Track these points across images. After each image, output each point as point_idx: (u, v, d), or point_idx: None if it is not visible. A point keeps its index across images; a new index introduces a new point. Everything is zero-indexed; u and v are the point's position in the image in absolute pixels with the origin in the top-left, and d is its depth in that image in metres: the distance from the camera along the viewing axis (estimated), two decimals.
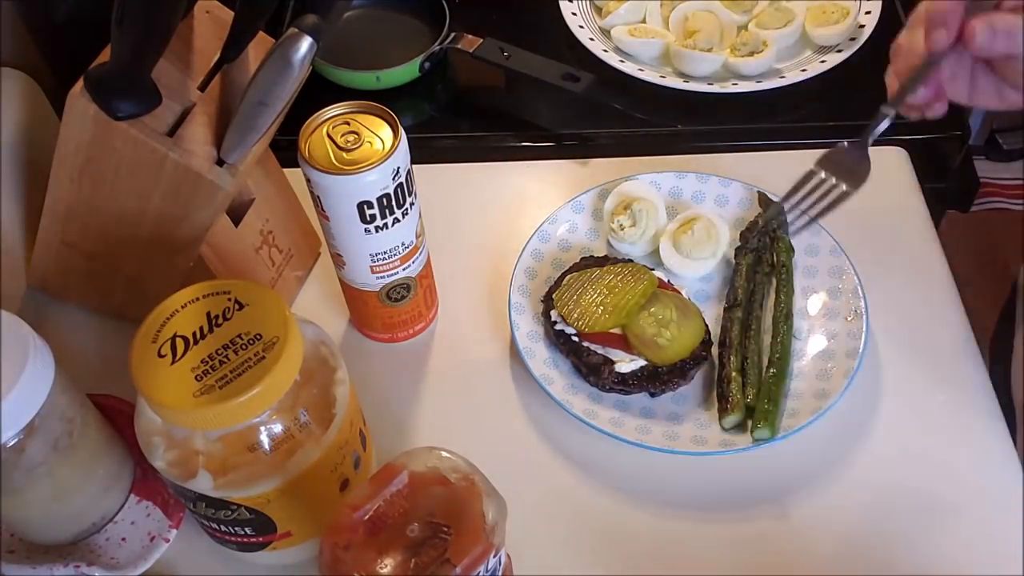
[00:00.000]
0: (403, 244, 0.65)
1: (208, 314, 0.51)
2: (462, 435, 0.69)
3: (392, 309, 0.70)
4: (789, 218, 0.64)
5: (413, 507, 0.46)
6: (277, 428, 0.52)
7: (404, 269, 0.67)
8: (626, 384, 0.67)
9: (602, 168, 0.85)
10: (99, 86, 0.57)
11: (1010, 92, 0.55)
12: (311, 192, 0.62)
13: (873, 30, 0.98)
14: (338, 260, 0.67)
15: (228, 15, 0.64)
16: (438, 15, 0.99)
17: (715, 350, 0.71)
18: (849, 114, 0.95)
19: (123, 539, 0.62)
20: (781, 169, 0.84)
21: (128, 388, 0.51)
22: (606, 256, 0.75)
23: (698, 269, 0.75)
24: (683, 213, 0.77)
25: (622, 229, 0.76)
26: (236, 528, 0.56)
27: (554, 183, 0.85)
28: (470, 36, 0.95)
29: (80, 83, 0.57)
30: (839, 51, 0.96)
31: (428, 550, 0.44)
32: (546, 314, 0.71)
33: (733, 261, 0.76)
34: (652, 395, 0.69)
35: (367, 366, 0.72)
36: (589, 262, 0.73)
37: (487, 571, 0.46)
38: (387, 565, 0.44)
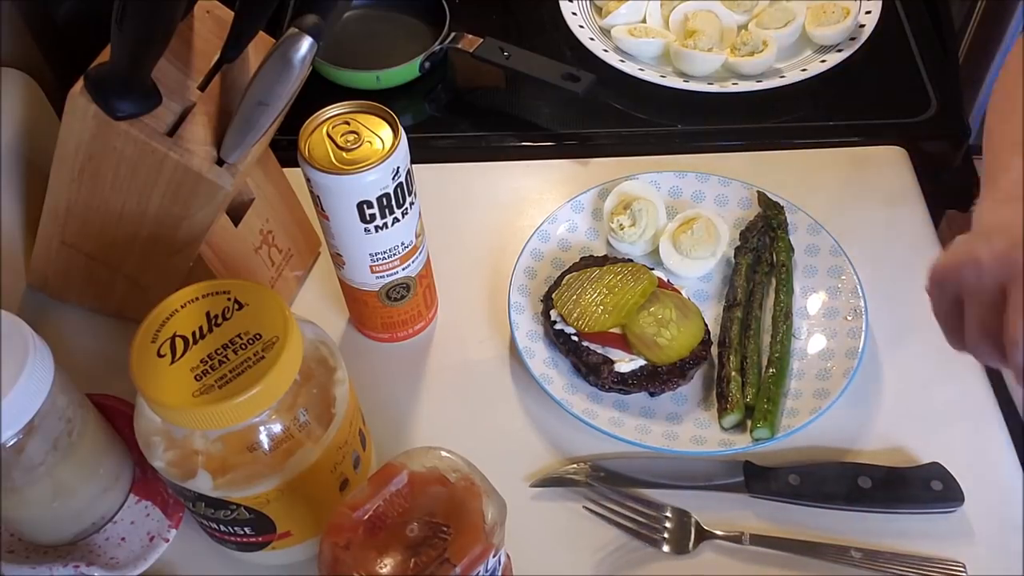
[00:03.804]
0: (403, 244, 0.65)
1: (208, 314, 0.51)
2: (462, 435, 0.69)
3: (392, 309, 0.71)
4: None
5: (413, 507, 0.46)
6: (277, 428, 0.52)
7: (404, 269, 0.67)
8: (626, 384, 0.67)
9: (602, 168, 0.85)
10: (99, 86, 0.57)
11: None
12: (311, 192, 0.62)
13: (873, 30, 0.98)
14: (338, 260, 0.67)
15: (228, 15, 0.64)
16: (438, 15, 0.99)
17: (715, 350, 0.71)
18: (849, 114, 0.95)
19: (123, 539, 0.62)
20: (781, 169, 0.84)
21: (128, 388, 0.51)
22: (606, 256, 0.75)
23: (698, 269, 0.75)
24: (683, 213, 0.77)
25: (622, 229, 0.76)
26: (236, 528, 0.56)
27: (554, 183, 0.85)
28: (470, 36, 0.95)
29: (80, 83, 0.57)
30: (839, 51, 0.96)
31: (428, 550, 0.44)
32: (546, 314, 0.71)
33: (733, 261, 0.76)
34: (652, 395, 0.69)
35: (367, 366, 0.72)
36: (589, 262, 0.73)
37: (487, 571, 0.46)
38: (387, 565, 0.44)
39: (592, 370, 0.68)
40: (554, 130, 0.95)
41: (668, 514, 0.63)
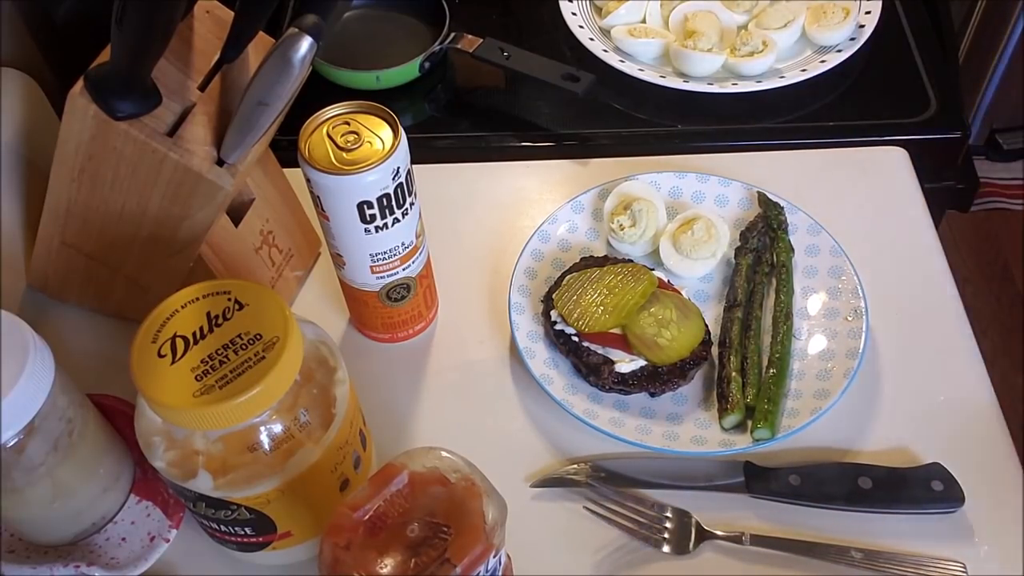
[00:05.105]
0: (403, 244, 0.65)
1: (208, 314, 0.51)
2: (462, 435, 0.69)
3: (392, 309, 0.71)
4: None
5: (413, 507, 0.46)
6: (277, 428, 0.52)
7: (404, 269, 0.67)
8: (626, 384, 0.67)
9: (602, 168, 0.85)
10: (99, 86, 0.57)
11: None
12: (311, 192, 0.62)
13: (873, 30, 0.98)
14: (338, 260, 0.67)
15: (228, 15, 0.64)
16: (438, 15, 0.99)
17: (715, 350, 0.71)
18: (849, 114, 0.95)
19: (123, 539, 0.62)
20: (781, 169, 0.84)
21: (128, 388, 0.51)
22: (606, 256, 0.75)
23: (698, 269, 0.75)
24: (683, 213, 0.77)
25: (622, 229, 0.76)
26: (236, 528, 0.56)
27: (554, 183, 0.85)
28: (470, 36, 0.96)
29: (80, 83, 0.57)
30: (839, 51, 0.97)
31: (428, 550, 0.44)
32: (546, 314, 0.71)
33: (733, 261, 0.76)
34: (652, 395, 0.69)
35: (367, 366, 0.72)
36: (589, 262, 0.73)
37: (487, 571, 0.46)
38: (387, 565, 0.44)
39: (592, 370, 0.68)
40: (554, 130, 0.95)
41: (668, 514, 0.63)
